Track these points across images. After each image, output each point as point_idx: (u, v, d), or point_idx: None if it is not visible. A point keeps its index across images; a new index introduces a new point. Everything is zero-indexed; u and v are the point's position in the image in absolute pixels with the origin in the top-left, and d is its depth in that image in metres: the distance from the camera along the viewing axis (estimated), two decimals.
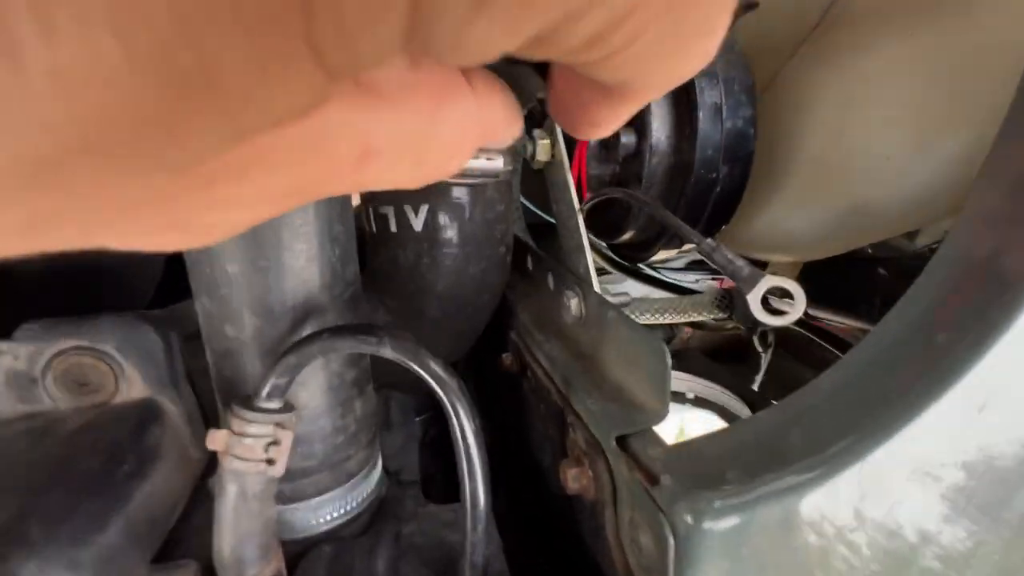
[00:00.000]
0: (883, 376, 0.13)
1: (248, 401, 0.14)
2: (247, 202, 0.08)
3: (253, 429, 0.14)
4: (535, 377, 0.22)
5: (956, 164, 0.19)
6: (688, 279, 0.43)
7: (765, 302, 0.15)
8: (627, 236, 0.23)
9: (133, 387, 0.22)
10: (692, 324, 0.53)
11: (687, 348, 0.72)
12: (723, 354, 0.70)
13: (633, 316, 0.38)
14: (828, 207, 0.23)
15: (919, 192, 0.21)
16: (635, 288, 0.45)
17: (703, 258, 0.17)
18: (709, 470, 0.13)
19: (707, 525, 0.12)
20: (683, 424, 0.65)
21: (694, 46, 0.08)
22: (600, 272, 0.38)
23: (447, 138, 0.09)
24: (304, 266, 0.15)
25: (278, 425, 0.14)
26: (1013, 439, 0.13)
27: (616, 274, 0.35)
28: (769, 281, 0.14)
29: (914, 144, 0.20)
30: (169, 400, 0.22)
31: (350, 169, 0.08)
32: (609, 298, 0.19)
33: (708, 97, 0.18)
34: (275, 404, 0.15)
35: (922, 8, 0.20)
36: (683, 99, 0.19)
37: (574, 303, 0.20)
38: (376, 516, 0.19)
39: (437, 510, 0.19)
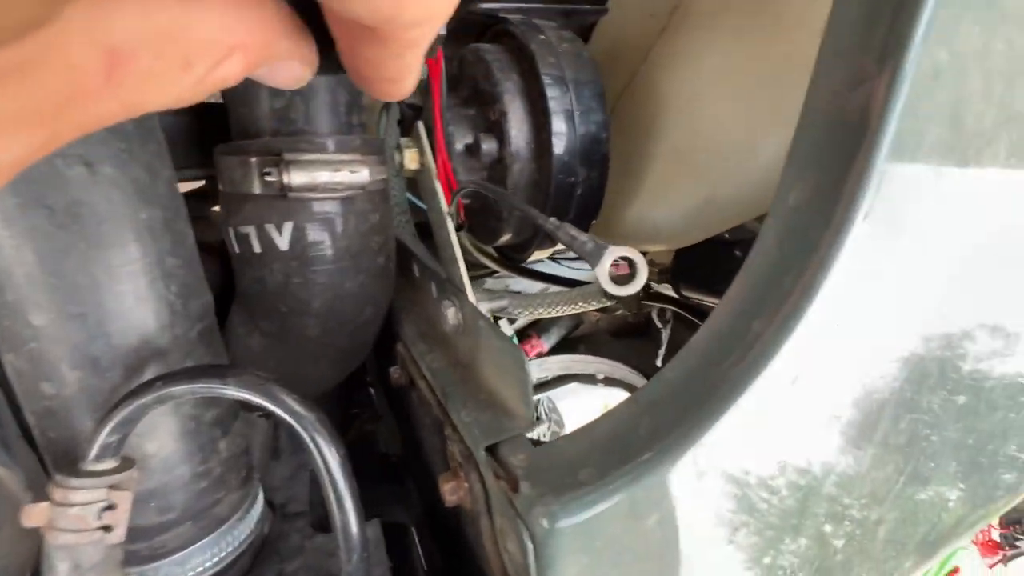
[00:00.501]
0: (712, 367, 0.15)
1: (72, 466, 0.13)
2: None
3: (80, 496, 0.13)
4: (419, 389, 0.21)
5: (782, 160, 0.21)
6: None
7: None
8: (505, 238, 0.23)
9: None
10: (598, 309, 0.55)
11: (596, 331, 0.75)
12: (631, 333, 0.74)
13: (527, 312, 0.39)
14: (686, 198, 0.25)
15: (758, 183, 0.23)
16: (534, 285, 0.46)
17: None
18: (565, 473, 0.13)
19: (560, 525, 0.12)
20: (606, 402, 0.69)
21: None
22: (492, 273, 0.39)
23: (208, 34, 0.08)
24: (132, 308, 0.14)
25: (113, 487, 0.13)
26: (823, 407, 0.15)
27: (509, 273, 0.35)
28: (613, 252, 0.14)
29: (748, 140, 0.22)
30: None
31: (102, 78, 0.07)
32: (490, 303, 0.19)
33: (560, 104, 0.19)
34: (107, 464, 0.13)
35: (745, 15, 0.22)
36: (537, 107, 0.19)
37: (451, 312, 0.20)
38: (257, 556, 0.18)
39: (324, 540, 0.19)
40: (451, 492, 0.16)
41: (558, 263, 0.47)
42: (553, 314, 0.34)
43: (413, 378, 0.23)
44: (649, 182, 0.25)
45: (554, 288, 0.36)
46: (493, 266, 0.27)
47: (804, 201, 0.14)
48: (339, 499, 0.14)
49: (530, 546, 0.12)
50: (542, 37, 0.20)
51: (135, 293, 0.14)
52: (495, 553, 0.15)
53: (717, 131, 0.23)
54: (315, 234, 0.21)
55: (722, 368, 0.14)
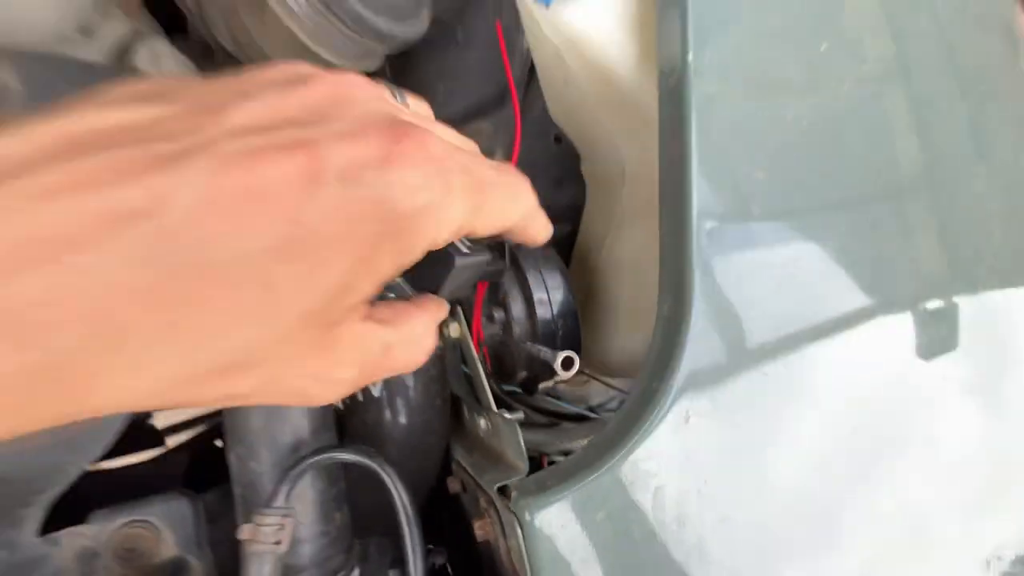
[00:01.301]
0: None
1: (267, 504, 0.23)
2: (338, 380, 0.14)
3: (267, 521, 0.22)
4: (464, 482, 0.30)
5: None
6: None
7: None
8: (521, 376, 0.34)
9: (167, 548, 0.29)
10: None
11: None
12: None
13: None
14: (641, 342, 0.35)
15: None
16: None
17: None
18: (539, 487, 0.21)
19: (536, 514, 0.20)
20: None
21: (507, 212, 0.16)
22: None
23: (426, 339, 0.16)
24: (300, 417, 0.25)
25: (283, 518, 0.23)
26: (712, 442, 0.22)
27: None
28: (562, 353, 0.24)
29: None
30: (195, 557, 0.29)
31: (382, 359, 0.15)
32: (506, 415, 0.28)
33: (538, 288, 0.31)
34: (282, 506, 0.23)
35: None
36: (527, 289, 0.32)
37: (483, 421, 0.30)
38: None
39: None
40: (480, 528, 0.23)
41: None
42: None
43: (463, 481, 0.31)
44: (622, 323, 0.36)
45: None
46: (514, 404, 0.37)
47: None
48: (412, 537, 0.23)
49: (519, 533, 0.20)
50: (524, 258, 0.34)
51: (301, 410, 0.26)
52: (509, 563, 0.22)
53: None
54: (399, 385, 0.33)
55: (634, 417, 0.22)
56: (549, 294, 0.32)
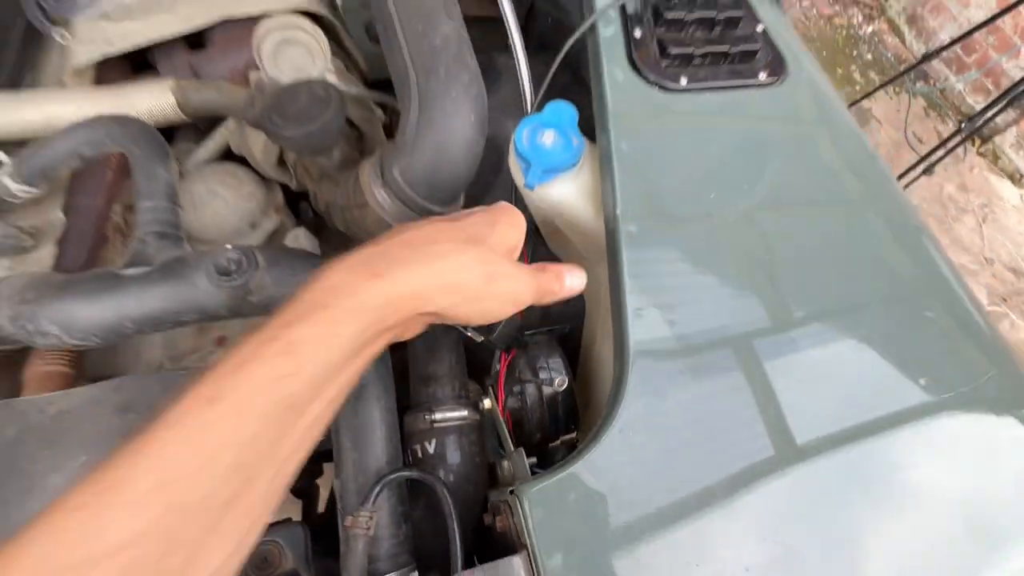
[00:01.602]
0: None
1: (360, 508, 0.35)
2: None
3: (362, 515, 0.34)
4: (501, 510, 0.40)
5: None
6: None
7: None
8: (535, 439, 0.45)
9: (287, 563, 0.40)
10: None
11: None
12: None
13: None
14: None
15: None
16: None
17: None
18: (534, 481, 0.32)
19: (530, 493, 0.30)
20: None
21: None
22: None
23: (549, 283, 0.34)
24: (381, 444, 0.38)
25: (371, 515, 0.35)
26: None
27: None
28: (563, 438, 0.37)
29: None
30: (304, 571, 0.40)
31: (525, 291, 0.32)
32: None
33: (547, 377, 0.44)
34: (371, 508, 0.35)
35: None
36: (536, 373, 0.45)
37: (506, 464, 0.41)
38: None
39: None
40: (500, 522, 0.34)
41: None
42: None
43: (493, 511, 0.41)
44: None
45: None
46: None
47: None
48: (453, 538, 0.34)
49: (520, 510, 0.31)
50: (533, 346, 0.48)
51: (382, 438, 0.39)
52: (516, 537, 0.32)
53: None
54: (450, 443, 0.45)
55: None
56: (553, 377, 0.45)
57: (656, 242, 0.40)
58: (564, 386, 0.44)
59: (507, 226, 0.32)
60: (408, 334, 0.31)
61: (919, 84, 2.84)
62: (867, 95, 1.96)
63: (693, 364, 0.36)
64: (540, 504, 0.31)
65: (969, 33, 1.64)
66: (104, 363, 0.53)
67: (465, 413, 0.46)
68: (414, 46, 0.43)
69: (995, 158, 2.62)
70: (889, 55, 2.92)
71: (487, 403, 0.48)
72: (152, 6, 0.51)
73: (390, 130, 0.67)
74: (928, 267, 0.45)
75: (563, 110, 0.46)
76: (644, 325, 0.37)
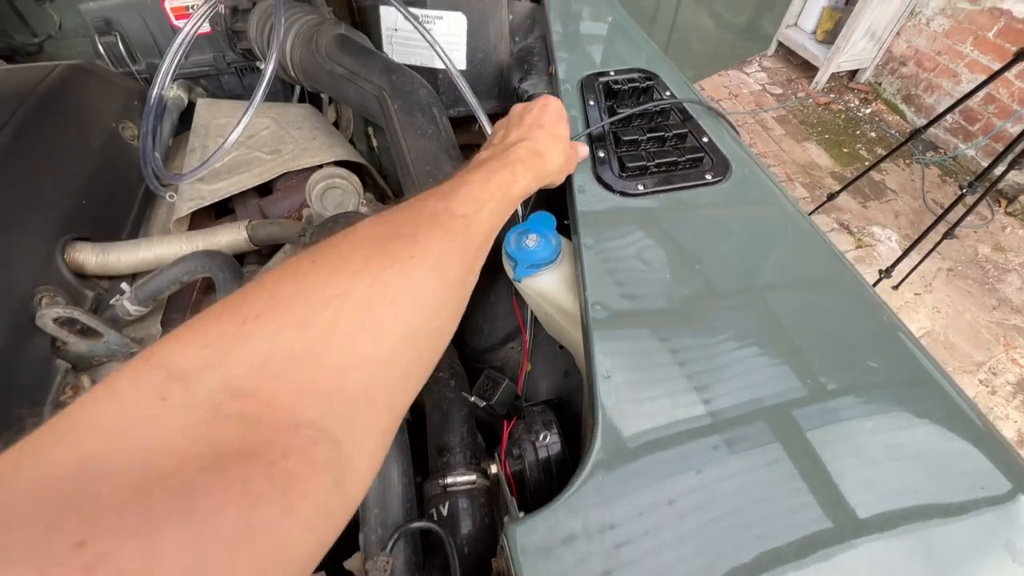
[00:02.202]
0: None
1: (379, 554, 0.41)
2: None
3: (381, 558, 0.41)
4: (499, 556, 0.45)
5: None
6: None
7: None
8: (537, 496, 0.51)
9: None
10: None
11: None
12: None
13: None
14: None
15: None
16: None
17: None
18: (520, 521, 0.38)
19: (514, 528, 0.36)
20: None
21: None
22: None
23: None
24: (397, 494, 0.45)
25: (389, 557, 0.41)
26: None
27: None
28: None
29: None
30: None
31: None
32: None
33: (537, 439, 0.51)
34: (388, 553, 0.41)
35: None
36: (533, 440, 0.52)
37: (507, 519, 0.47)
38: None
39: None
40: (496, 564, 0.40)
41: None
42: None
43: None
44: None
45: None
46: None
47: None
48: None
49: (508, 545, 0.36)
50: (530, 416, 0.55)
51: (399, 495, 0.46)
52: (508, 572, 0.37)
53: None
54: (462, 505, 0.51)
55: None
56: (547, 442, 0.52)
57: (620, 321, 0.49)
58: (556, 449, 0.51)
59: (562, 118, 0.52)
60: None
61: (929, 154, 2.92)
62: (874, 165, 2.05)
63: (659, 427, 0.43)
64: (526, 538, 0.37)
65: (962, 100, 1.75)
66: None
67: (474, 478, 0.52)
68: (422, 181, 0.56)
69: None
70: (893, 131, 3.05)
71: (493, 468, 0.54)
72: (235, 168, 0.68)
73: None
74: (888, 332, 0.50)
75: (543, 218, 0.57)
76: (612, 391, 0.44)
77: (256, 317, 0.20)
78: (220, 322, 0.20)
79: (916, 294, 2.31)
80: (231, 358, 0.19)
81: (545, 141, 0.47)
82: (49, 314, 0.47)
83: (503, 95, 0.90)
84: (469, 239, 0.33)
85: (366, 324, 0.22)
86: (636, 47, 0.84)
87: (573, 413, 0.63)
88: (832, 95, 3.29)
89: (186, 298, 0.63)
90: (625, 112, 0.65)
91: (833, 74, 3.26)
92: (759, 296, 0.52)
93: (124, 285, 0.53)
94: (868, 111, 3.19)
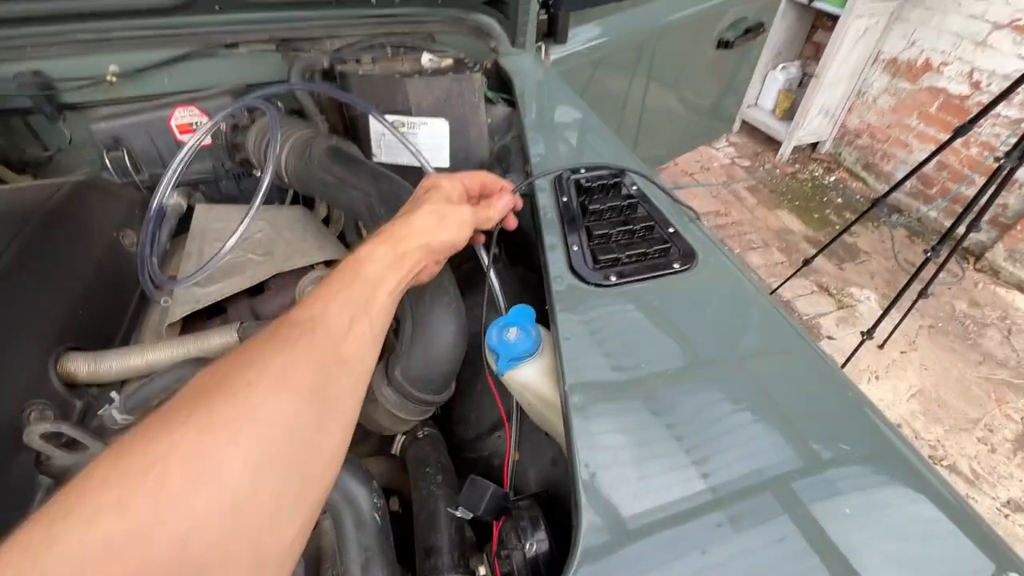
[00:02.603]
0: None
1: None
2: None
3: None
4: None
5: None
6: None
7: None
8: None
9: None
10: None
11: None
12: None
13: None
14: None
15: None
16: None
17: None
18: None
19: None
20: None
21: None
22: None
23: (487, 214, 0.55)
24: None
25: None
26: None
27: None
28: None
29: None
30: None
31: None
32: None
33: (525, 539, 0.51)
34: None
35: None
36: (521, 540, 0.51)
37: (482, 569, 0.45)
38: None
39: None
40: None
41: None
42: None
43: None
44: None
45: None
46: None
47: None
48: None
49: None
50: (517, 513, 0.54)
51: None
52: None
53: None
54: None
55: None
56: (534, 542, 0.51)
57: (604, 404, 0.50)
58: (544, 548, 0.50)
59: (426, 192, 0.49)
60: (424, 276, 0.48)
61: (895, 216, 3.08)
62: (844, 230, 2.16)
63: (656, 508, 0.43)
64: None
65: (915, 171, 1.88)
66: None
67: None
68: None
69: (994, 273, 2.69)
70: (858, 197, 3.23)
71: (482, 571, 0.53)
72: (228, 272, 0.71)
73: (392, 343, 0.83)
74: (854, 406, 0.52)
75: (523, 312, 0.60)
76: (594, 484, 0.45)
77: (67, 514, 0.18)
78: (31, 529, 0.18)
79: (902, 352, 2.34)
80: (42, 567, 0.17)
81: (400, 219, 0.45)
82: (37, 430, 0.47)
83: None
84: (319, 340, 0.30)
85: (203, 475, 0.20)
86: (604, 141, 0.92)
87: (564, 502, 0.62)
88: (797, 165, 3.52)
89: None
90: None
91: (795, 147, 3.50)
92: (739, 366, 0.54)
93: (113, 394, 0.54)
94: (832, 179, 3.40)
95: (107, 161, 0.87)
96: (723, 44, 1.89)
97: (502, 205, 0.55)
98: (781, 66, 3.47)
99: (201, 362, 0.55)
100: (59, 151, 1.06)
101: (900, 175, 2.03)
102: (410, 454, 0.67)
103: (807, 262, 2.30)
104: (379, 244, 0.41)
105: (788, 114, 3.48)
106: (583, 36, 1.53)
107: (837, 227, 2.61)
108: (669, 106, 2.14)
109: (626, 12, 1.65)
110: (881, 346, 2.30)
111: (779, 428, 0.46)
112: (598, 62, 1.63)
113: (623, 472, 0.45)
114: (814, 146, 3.60)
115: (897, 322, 2.17)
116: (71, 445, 0.51)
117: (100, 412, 0.54)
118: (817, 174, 3.45)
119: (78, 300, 0.62)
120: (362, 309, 0.35)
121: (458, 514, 0.48)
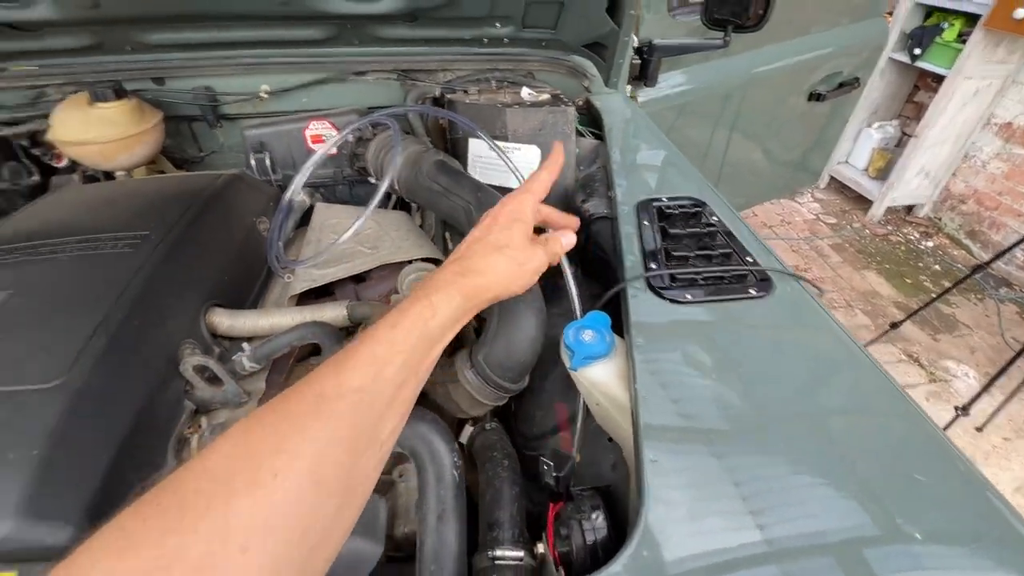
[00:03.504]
0: None
1: None
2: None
3: None
4: None
5: None
6: None
7: None
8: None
9: None
10: None
11: None
12: None
13: None
14: None
15: None
16: None
17: None
18: None
19: None
20: None
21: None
22: None
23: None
24: (453, 553, 0.48)
25: None
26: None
27: None
28: None
29: None
30: None
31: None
32: None
33: (584, 520, 0.54)
34: None
35: None
36: (580, 524, 0.55)
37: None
38: None
39: None
40: None
41: None
42: None
43: None
44: None
45: None
46: None
47: None
48: None
49: None
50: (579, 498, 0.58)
51: (451, 554, 0.49)
52: None
53: None
54: None
55: None
56: (596, 528, 0.54)
57: (669, 427, 0.53)
58: (604, 533, 0.53)
59: (512, 224, 0.49)
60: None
61: (1003, 290, 2.82)
62: (939, 296, 2.01)
63: (710, 551, 0.45)
64: None
65: None
66: None
67: (521, 554, 0.55)
68: None
69: None
70: (959, 265, 2.99)
71: (540, 548, 0.56)
72: (341, 258, 0.82)
73: (479, 330, 0.90)
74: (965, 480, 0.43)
75: (599, 318, 0.65)
76: (659, 474, 0.47)
77: None
78: None
79: (1006, 439, 2.10)
80: None
81: (482, 255, 0.45)
82: (191, 361, 0.58)
83: (568, 212, 1.03)
84: (362, 418, 0.28)
85: None
86: (686, 177, 0.97)
87: (619, 505, 0.64)
88: (890, 227, 3.33)
89: (284, 362, 0.73)
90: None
91: (889, 207, 3.32)
92: (816, 419, 0.51)
93: (245, 345, 0.64)
94: (930, 244, 3.18)
95: (252, 161, 1.04)
96: (815, 97, 1.89)
97: (567, 242, 0.58)
98: (878, 124, 3.35)
99: (321, 325, 0.65)
100: (211, 153, 1.26)
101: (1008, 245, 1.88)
102: (478, 443, 0.72)
103: (895, 325, 2.16)
104: (455, 294, 0.41)
105: (882, 173, 3.33)
106: (670, 82, 1.61)
107: (932, 295, 2.43)
108: (752, 155, 2.14)
109: (714, 62, 1.71)
110: (980, 428, 2.08)
111: (879, 489, 0.41)
112: (682, 108, 1.69)
113: (686, 491, 0.46)
114: (910, 208, 3.40)
115: (1000, 403, 1.97)
116: (212, 380, 0.61)
117: (233, 358, 0.64)
118: (912, 238, 3.24)
119: (223, 267, 0.74)
120: (413, 371, 0.35)
121: (544, 468, 0.52)
